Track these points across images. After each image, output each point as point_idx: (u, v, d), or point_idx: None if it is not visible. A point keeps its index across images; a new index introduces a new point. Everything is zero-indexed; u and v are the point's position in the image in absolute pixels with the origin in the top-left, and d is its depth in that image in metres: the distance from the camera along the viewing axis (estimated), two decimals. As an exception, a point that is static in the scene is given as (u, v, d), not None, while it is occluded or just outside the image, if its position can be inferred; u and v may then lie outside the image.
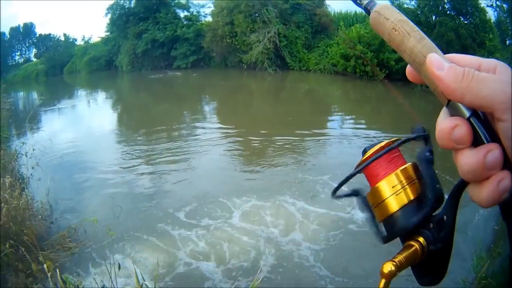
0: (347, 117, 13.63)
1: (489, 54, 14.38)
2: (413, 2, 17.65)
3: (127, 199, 6.66)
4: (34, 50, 31.96)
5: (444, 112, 0.41)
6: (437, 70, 0.38)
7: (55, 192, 6.43)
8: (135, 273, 2.74)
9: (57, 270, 2.81)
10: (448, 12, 16.33)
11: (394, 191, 0.44)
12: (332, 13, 24.12)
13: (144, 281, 2.76)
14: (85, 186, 7.36)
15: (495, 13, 16.30)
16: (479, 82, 0.36)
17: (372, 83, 18.50)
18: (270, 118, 13.48)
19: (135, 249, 5.08)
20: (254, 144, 9.75)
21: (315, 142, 10.09)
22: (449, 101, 0.39)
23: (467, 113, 0.38)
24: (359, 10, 0.54)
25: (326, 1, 23.93)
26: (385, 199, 0.45)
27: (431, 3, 16.65)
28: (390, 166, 0.45)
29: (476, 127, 0.37)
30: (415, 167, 0.45)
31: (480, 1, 15.73)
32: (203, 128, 12.11)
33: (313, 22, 22.69)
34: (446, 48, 16.23)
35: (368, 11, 0.49)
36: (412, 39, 0.43)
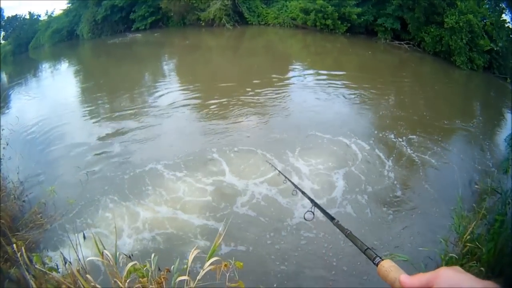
0: (309, 68, 13.51)
1: (460, 14, 13.26)
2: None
3: (93, 166, 6.59)
4: (2, 33, 29.35)
5: None
6: (402, 279, 0.73)
7: (25, 169, 6.27)
8: (95, 242, 2.79)
9: (23, 248, 2.80)
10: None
11: None
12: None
13: (105, 248, 2.82)
14: (53, 158, 7.19)
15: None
16: (421, 278, 0.69)
17: (333, 36, 18.10)
18: (229, 73, 13.18)
19: (99, 217, 5.10)
20: (215, 100, 9.67)
21: (278, 93, 10.22)
22: None
23: None
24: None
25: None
26: None
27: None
28: None
29: None
30: None
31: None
32: (165, 86, 11.85)
33: (272, -22, 21.31)
34: (412, 5, 15.44)
35: (376, 264, 0.85)
36: (392, 272, 0.78)
